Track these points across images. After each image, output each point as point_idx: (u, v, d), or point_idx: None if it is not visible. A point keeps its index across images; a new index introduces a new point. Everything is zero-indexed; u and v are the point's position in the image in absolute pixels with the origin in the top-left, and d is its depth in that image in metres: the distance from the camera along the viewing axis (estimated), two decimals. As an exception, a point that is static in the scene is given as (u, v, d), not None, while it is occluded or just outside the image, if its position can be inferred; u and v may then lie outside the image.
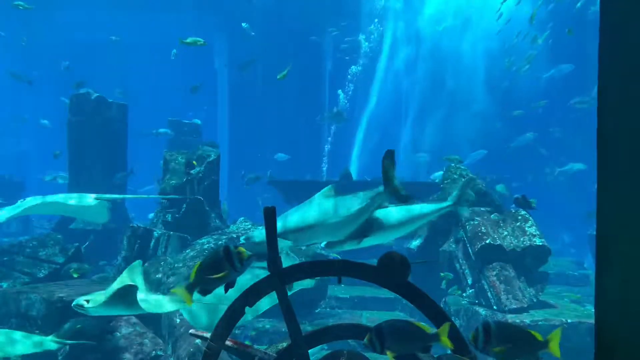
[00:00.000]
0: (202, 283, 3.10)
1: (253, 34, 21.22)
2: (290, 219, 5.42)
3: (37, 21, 15.47)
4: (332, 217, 5.35)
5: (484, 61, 22.91)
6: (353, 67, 23.27)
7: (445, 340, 2.88)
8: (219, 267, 3.06)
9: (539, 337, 2.78)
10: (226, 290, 3.21)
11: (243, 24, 20.42)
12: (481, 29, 22.60)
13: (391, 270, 3.03)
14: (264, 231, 3.14)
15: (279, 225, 5.41)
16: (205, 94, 29.50)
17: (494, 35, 21.42)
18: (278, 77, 13.04)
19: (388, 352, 2.83)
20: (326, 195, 5.46)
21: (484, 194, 10.11)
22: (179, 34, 25.87)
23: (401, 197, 5.22)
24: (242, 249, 3.03)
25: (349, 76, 23.32)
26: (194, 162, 10.35)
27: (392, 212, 5.68)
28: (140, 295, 5.28)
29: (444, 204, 5.92)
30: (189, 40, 11.72)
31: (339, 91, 23.28)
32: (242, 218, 10.52)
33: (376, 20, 23.17)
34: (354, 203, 5.36)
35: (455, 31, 23.09)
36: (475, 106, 22.62)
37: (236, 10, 24.34)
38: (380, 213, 5.55)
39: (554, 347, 2.77)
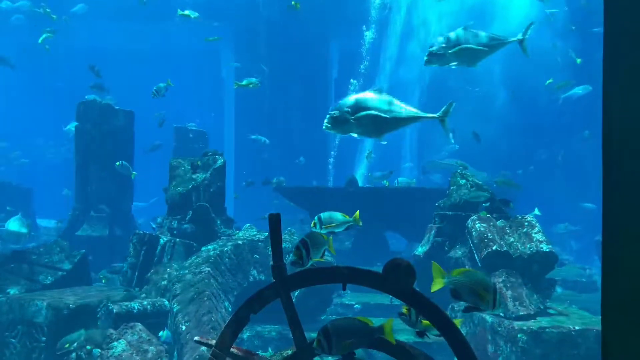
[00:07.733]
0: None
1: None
2: None
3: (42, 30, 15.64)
4: None
5: (501, 62, 22.32)
6: (359, 66, 23.12)
7: (388, 333, 2.93)
8: None
9: (371, 322, 2.99)
10: None
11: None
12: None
13: (396, 277, 3.01)
14: None
15: None
16: (212, 101, 29.63)
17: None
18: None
19: (344, 344, 2.92)
20: None
21: (490, 200, 10.08)
22: (186, 42, 26.05)
23: None
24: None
25: (353, 82, 23.23)
26: (198, 162, 10.37)
27: None
28: None
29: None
30: (244, 82, 12.48)
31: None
32: (247, 225, 10.52)
33: (373, 27, 22.97)
34: None
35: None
36: (493, 111, 22.07)
37: (243, 19, 24.42)
38: None
39: (388, 332, 2.99)
